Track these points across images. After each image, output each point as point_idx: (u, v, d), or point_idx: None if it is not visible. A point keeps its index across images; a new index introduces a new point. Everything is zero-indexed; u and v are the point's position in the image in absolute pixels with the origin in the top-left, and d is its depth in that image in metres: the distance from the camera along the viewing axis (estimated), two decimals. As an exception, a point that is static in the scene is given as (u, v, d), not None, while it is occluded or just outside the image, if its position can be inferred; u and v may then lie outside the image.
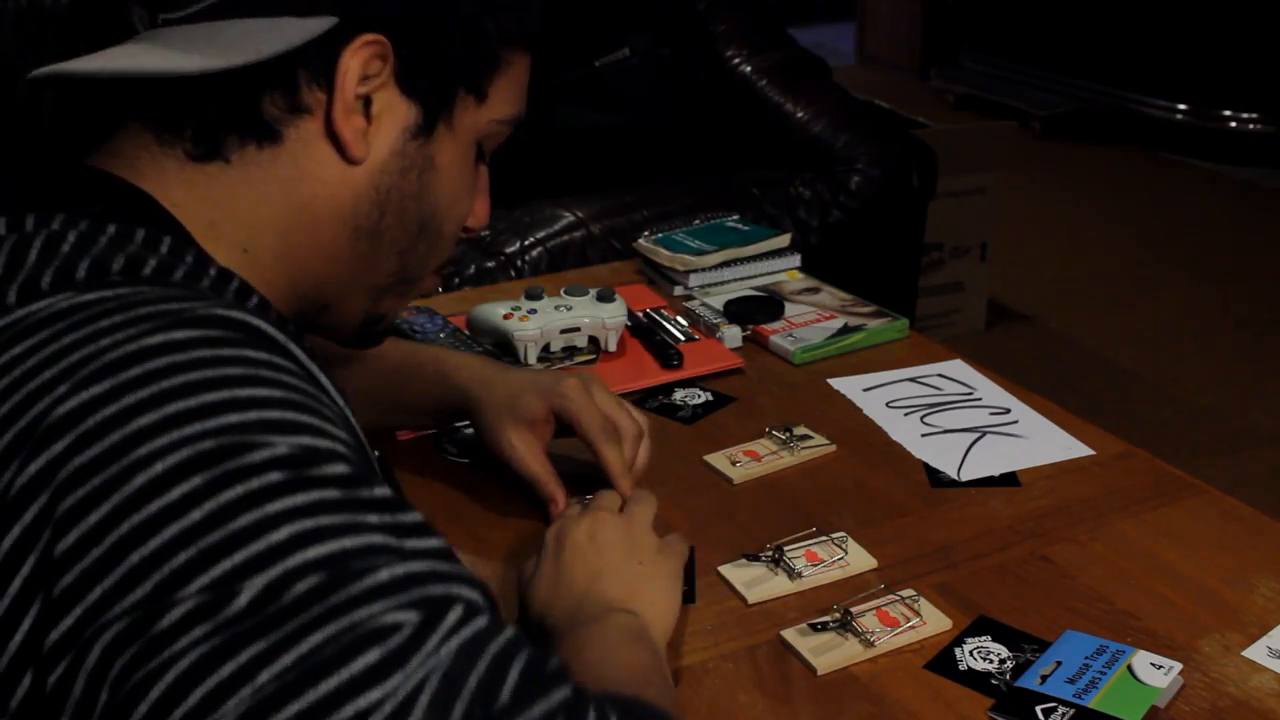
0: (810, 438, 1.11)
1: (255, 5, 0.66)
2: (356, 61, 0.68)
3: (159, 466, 0.52)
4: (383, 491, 0.56)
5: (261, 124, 0.69)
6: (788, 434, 1.10)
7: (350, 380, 1.03)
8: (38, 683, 0.51)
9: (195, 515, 0.51)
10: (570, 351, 1.28)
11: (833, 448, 1.10)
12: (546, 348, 1.26)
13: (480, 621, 0.53)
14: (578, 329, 1.27)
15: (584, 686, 0.55)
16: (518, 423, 0.98)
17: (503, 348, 1.25)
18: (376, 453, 0.73)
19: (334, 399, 0.64)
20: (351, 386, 1.03)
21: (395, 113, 0.71)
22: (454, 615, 0.52)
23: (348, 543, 0.52)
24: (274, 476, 0.52)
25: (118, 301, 0.58)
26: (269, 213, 0.70)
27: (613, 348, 1.28)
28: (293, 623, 0.49)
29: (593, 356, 1.28)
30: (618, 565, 0.81)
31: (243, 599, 0.50)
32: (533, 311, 1.26)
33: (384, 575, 0.51)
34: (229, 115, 0.68)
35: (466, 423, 1.05)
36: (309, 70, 0.68)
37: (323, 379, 0.64)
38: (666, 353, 1.27)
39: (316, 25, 0.66)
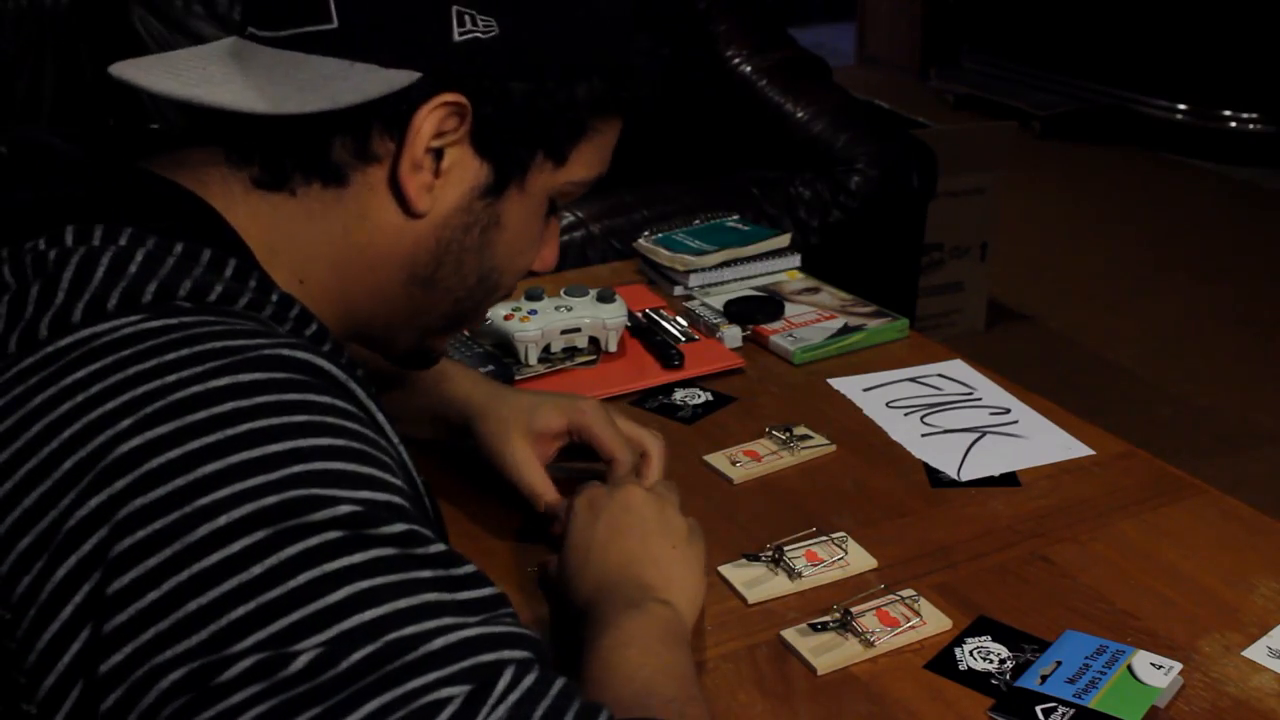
0: (810, 438, 1.11)
1: (343, 45, 0.66)
2: (432, 120, 0.67)
3: (222, 519, 0.52)
4: (437, 547, 0.56)
5: (329, 166, 0.68)
6: (788, 434, 1.10)
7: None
8: (87, 705, 0.52)
9: (255, 570, 0.52)
10: (571, 352, 1.27)
11: (833, 448, 1.10)
12: (547, 348, 1.26)
13: (529, 681, 0.54)
14: (578, 329, 1.27)
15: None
16: (524, 435, 0.97)
17: (503, 348, 1.25)
18: (423, 478, 0.73)
19: (391, 441, 0.65)
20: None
21: (465, 170, 0.70)
22: (504, 682, 0.53)
23: (402, 604, 0.53)
24: (333, 535, 0.53)
25: (184, 333, 0.58)
26: (327, 249, 0.70)
27: (613, 348, 1.28)
28: (348, 690, 0.50)
29: (593, 357, 1.28)
30: (656, 547, 0.82)
31: (300, 661, 0.50)
32: (533, 312, 1.25)
33: (438, 643, 0.52)
34: (298, 154, 0.68)
35: None
36: (383, 121, 0.67)
37: (380, 418, 0.65)
38: (667, 353, 1.27)
39: (398, 78, 0.66)
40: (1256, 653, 0.83)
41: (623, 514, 0.83)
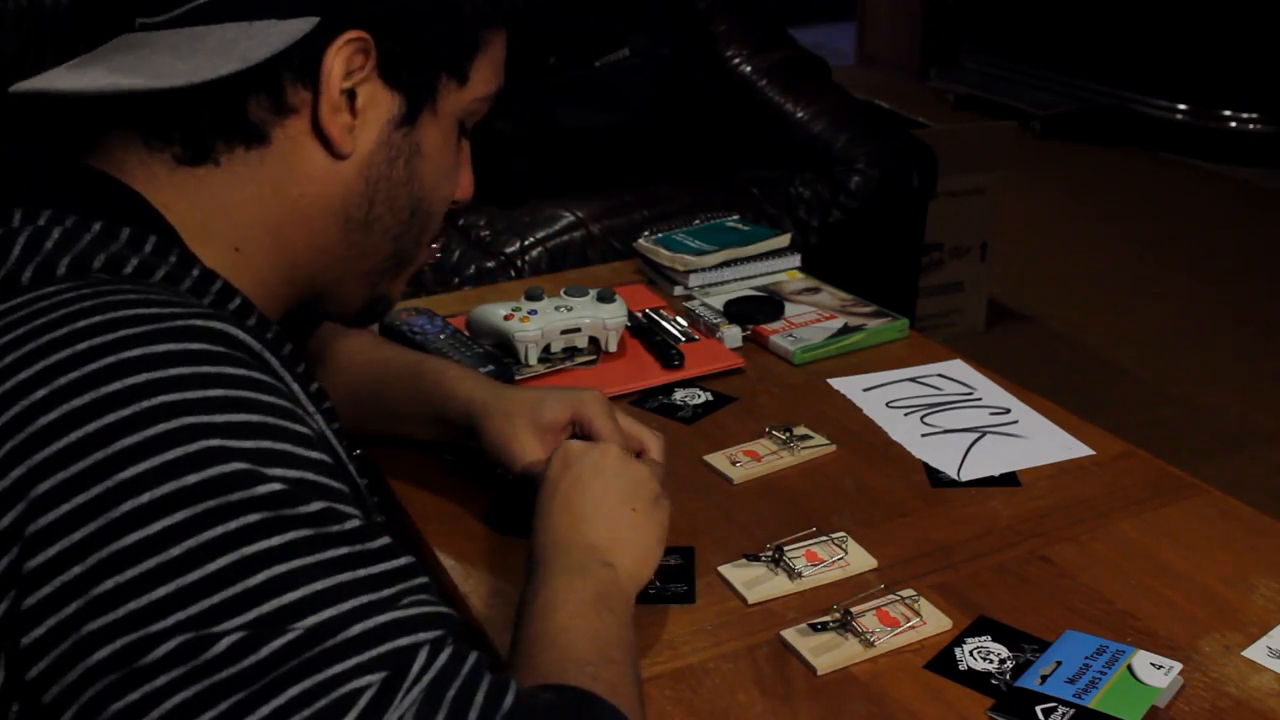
0: (810, 438, 1.11)
1: (236, 8, 0.67)
2: (340, 59, 0.69)
3: (145, 497, 0.53)
4: (353, 523, 0.58)
5: (249, 127, 0.69)
6: (788, 434, 1.10)
7: (349, 385, 1.04)
8: (13, 677, 0.53)
9: (175, 551, 0.53)
10: (571, 352, 1.27)
11: (833, 447, 1.10)
12: (547, 348, 1.26)
13: (442, 660, 0.56)
14: (578, 329, 1.27)
15: (538, 691, 0.60)
16: (531, 430, 0.96)
17: (503, 349, 1.25)
18: (358, 451, 0.74)
19: (310, 415, 0.66)
20: (350, 391, 1.03)
21: (380, 104, 0.72)
22: (418, 665, 0.55)
23: (320, 586, 0.54)
24: (252, 518, 0.54)
25: (96, 300, 0.59)
26: (260, 212, 0.71)
27: (613, 348, 1.28)
28: (269, 676, 0.52)
29: (593, 357, 1.28)
30: (611, 508, 0.81)
31: (222, 644, 0.52)
32: (533, 312, 1.25)
33: (355, 630, 0.54)
34: (216, 121, 0.69)
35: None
36: (293, 71, 0.68)
37: (299, 392, 0.66)
38: (667, 353, 1.27)
39: (299, 27, 0.67)
40: (1256, 653, 0.83)
41: (591, 473, 0.83)
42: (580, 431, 0.97)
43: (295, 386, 0.66)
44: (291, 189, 0.71)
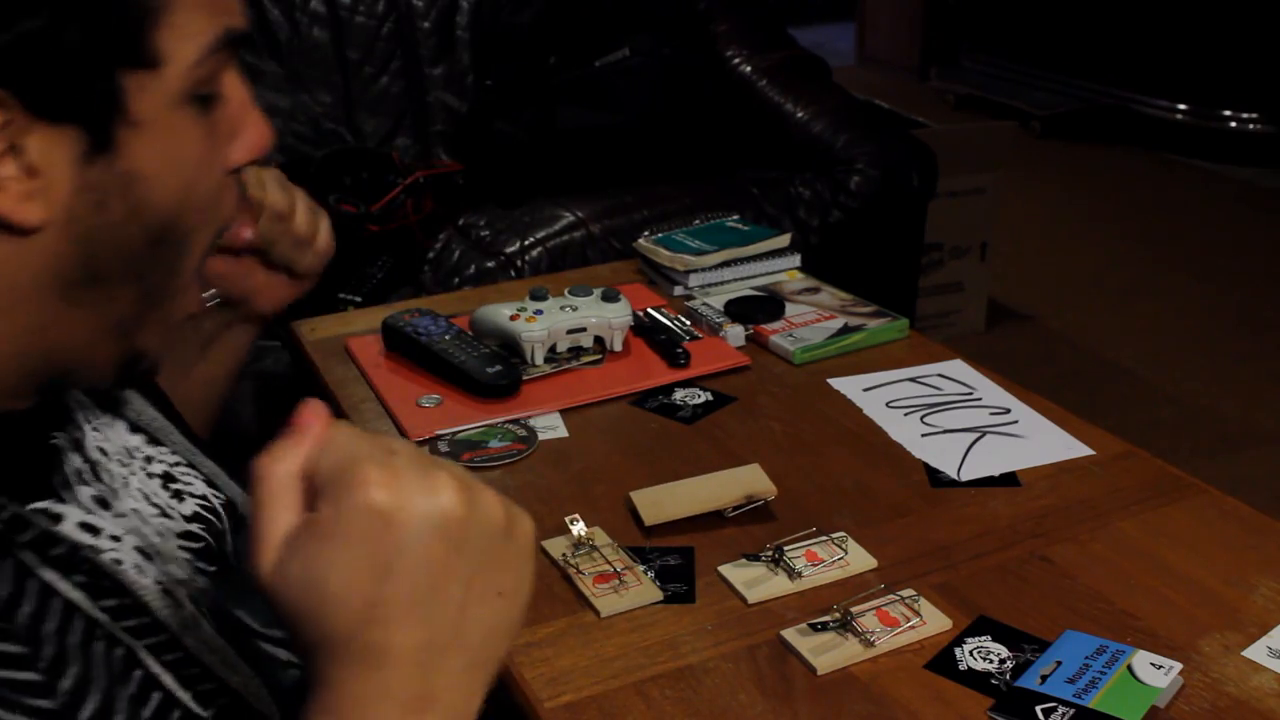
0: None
1: None
2: None
3: None
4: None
5: None
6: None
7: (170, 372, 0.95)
8: None
9: None
10: (576, 352, 1.28)
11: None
12: (553, 348, 1.26)
13: None
14: (584, 329, 1.27)
15: None
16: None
17: (508, 348, 1.25)
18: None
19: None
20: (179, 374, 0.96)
21: (56, 149, 0.55)
22: None
23: None
24: None
25: None
26: None
27: (618, 348, 1.28)
28: None
29: (599, 356, 1.28)
30: (438, 587, 0.51)
31: None
32: (539, 312, 1.26)
33: None
34: None
35: None
36: None
37: None
38: (673, 352, 1.27)
39: None
40: (1256, 653, 0.83)
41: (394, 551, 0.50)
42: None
43: None
44: None
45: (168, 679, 0.59)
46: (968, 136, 3.19)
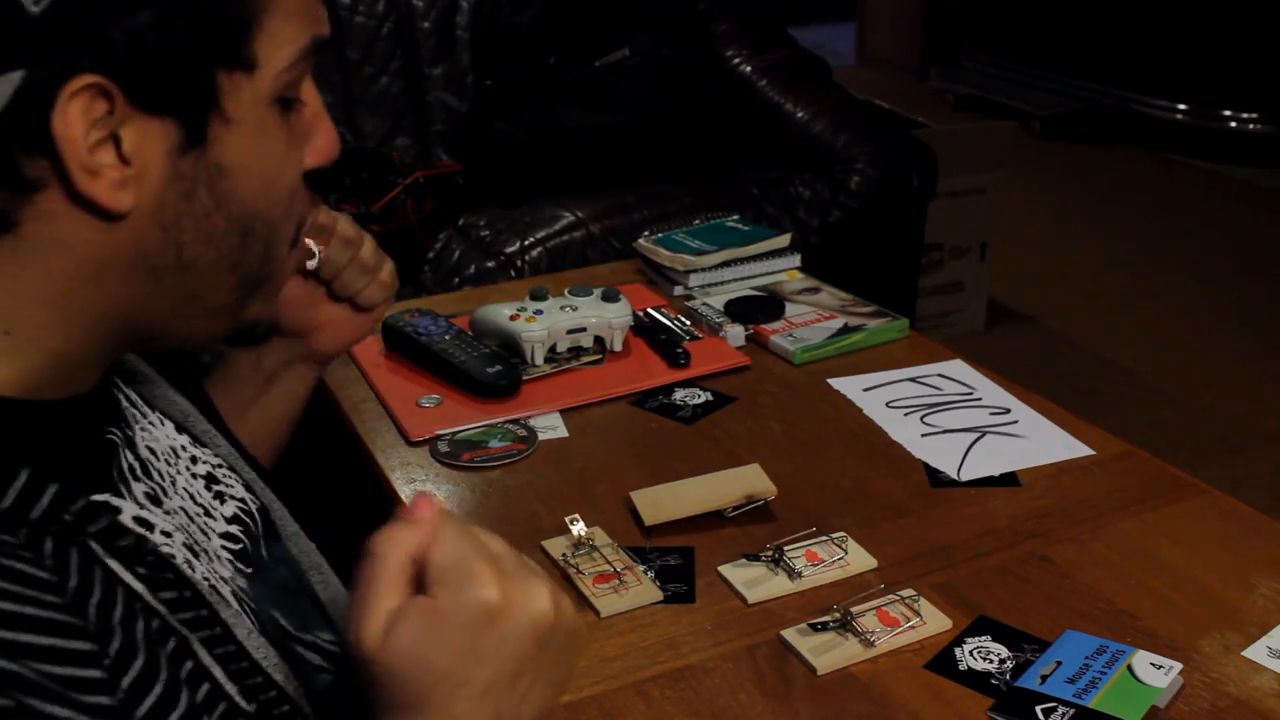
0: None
1: None
2: (74, 117, 0.55)
3: None
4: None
5: None
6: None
7: (225, 387, 1.01)
8: None
9: None
10: (576, 352, 1.28)
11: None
12: (553, 348, 1.26)
13: None
14: (584, 329, 1.27)
15: None
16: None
17: (508, 348, 1.25)
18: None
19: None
20: (234, 392, 1.00)
21: (152, 140, 0.58)
22: None
23: None
24: None
25: None
26: (29, 293, 0.59)
27: (618, 348, 1.28)
28: None
29: (599, 356, 1.28)
30: (518, 676, 0.58)
31: None
32: (539, 312, 1.26)
33: None
34: None
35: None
36: (19, 144, 0.55)
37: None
38: (673, 352, 1.27)
39: (2, 89, 0.53)
40: (1256, 653, 0.83)
41: (493, 631, 0.57)
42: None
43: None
44: (66, 263, 0.59)
45: (217, 671, 0.61)
46: (968, 136, 3.19)
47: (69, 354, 0.61)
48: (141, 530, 0.62)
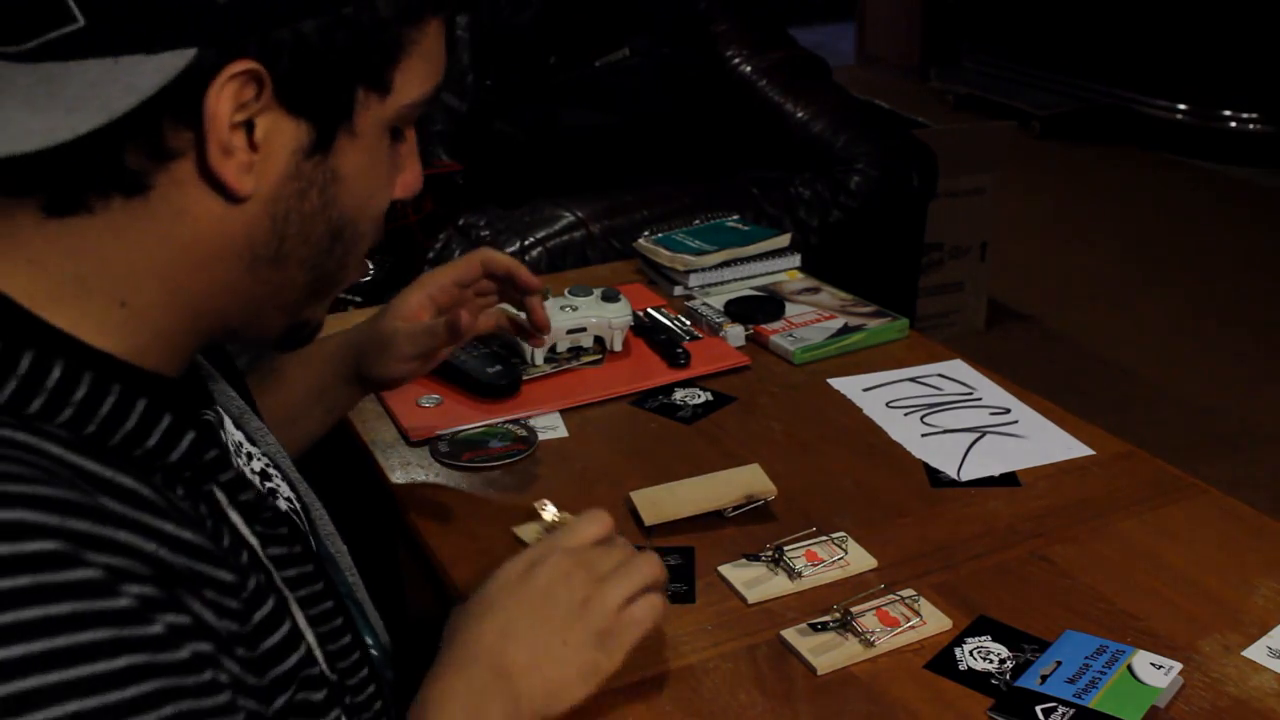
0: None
1: (98, 44, 0.56)
2: (225, 98, 0.58)
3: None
4: (158, 628, 0.53)
5: (125, 178, 0.60)
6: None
7: (295, 411, 1.04)
8: None
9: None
10: (576, 352, 1.28)
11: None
12: (553, 348, 1.26)
13: None
14: (584, 329, 1.27)
15: None
16: (398, 315, 1.01)
17: (508, 348, 1.25)
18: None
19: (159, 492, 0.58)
20: (296, 412, 1.04)
21: (283, 135, 0.62)
22: None
23: (98, 701, 0.50)
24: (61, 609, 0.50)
25: None
26: (147, 262, 0.62)
27: (618, 348, 1.28)
28: None
29: (599, 356, 1.28)
30: (544, 634, 0.77)
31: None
32: (538, 312, 1.26)
33: None
34: (85, 175, 0.59)
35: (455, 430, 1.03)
36: (171, 114, 0.58)
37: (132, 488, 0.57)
38: (673, 352, 1.27)
39: (172, 63, 0.57)
40: (1256, 653, 0.83)
41: (542, 591, 0.78)
42: (489, 274, 1.03)
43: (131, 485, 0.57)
44: (183, 235, 0.62)
45: (310, 636, 0.66)
46: (968, 136, 3.19)
47: (172, 336, 0.65)
48: (260, 485, 0.68)
